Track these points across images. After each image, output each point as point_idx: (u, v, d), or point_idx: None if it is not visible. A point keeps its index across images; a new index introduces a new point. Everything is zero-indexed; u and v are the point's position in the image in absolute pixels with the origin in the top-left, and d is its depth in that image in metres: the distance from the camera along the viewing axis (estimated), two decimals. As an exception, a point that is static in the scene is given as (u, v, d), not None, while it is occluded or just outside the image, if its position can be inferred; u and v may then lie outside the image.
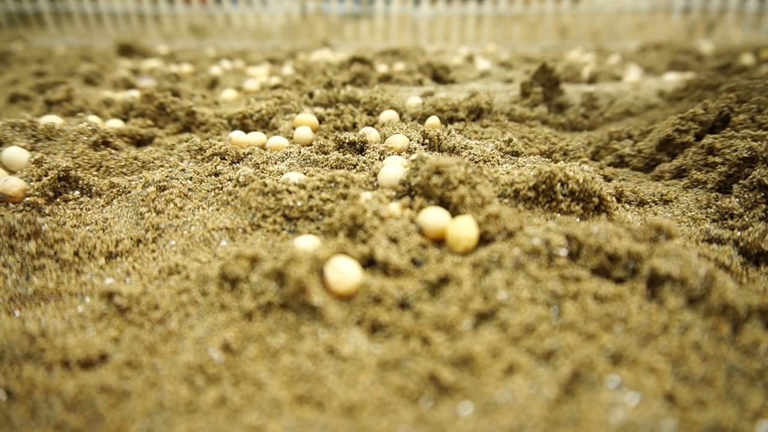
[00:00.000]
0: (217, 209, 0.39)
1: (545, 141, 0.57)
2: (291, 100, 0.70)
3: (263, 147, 0.55)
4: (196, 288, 0.30)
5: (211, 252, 0.35)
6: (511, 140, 0.52)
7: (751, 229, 0.34)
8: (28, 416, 0.22)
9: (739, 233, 0.35)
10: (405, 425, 0.21)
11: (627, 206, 0.42)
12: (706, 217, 0.40)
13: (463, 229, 0.30)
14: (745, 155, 0.44)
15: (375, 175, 0.39)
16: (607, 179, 0.48)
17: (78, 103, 0.72)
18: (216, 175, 0.44)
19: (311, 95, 0.75)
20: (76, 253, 0.33)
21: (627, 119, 0.73)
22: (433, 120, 0.60)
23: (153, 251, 0.36)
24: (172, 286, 0.31)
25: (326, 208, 0.36)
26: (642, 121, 0.69)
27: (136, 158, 0.49)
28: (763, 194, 0.38)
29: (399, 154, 0.48)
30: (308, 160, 0.49)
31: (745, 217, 0.38)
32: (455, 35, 1.98)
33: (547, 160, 0.51)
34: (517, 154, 0.51)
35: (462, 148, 0.50)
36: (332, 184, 0.37)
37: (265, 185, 0.37)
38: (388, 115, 0.61)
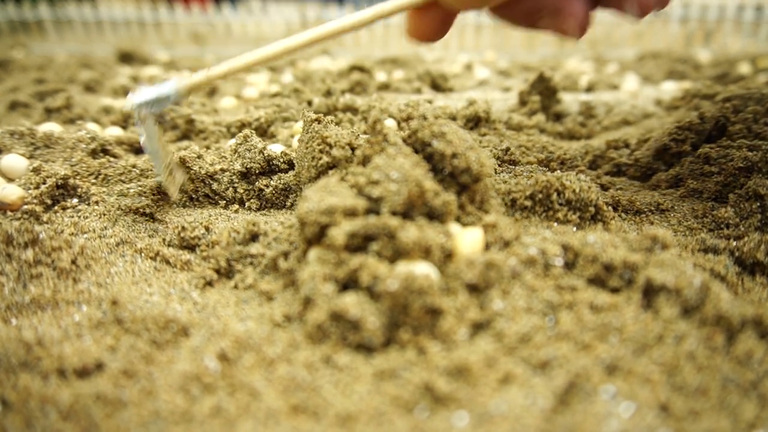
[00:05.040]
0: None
1: (543, 150, 0.57)
2: (290, 108, 0.70)
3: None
4: (193, 297, 0.30)
5: (208, 260, 0.35)
6: (508, 149, 0.52)
7: (746, 239, 0.34)
8: (23, 426, 0.22)
9: (734, 243, 0.35)
10: (400, 435, 0.21)
11: (623, 215, 0.42)
12: (702, 226, 0.40)
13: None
14: (741, 165, 0.44)
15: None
16: (604, 188, 0.48)
17: (78, 111, 0.72)
18: (214, 183, 0.44)
19: (310, 103, 0.75)
20: (73, 261, 0.33)
21: (624, 128, 0.73)
22: (431, 128, 0.60)
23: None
24: (169, 294, 0.31)
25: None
26: (639, 130, 0.69)
27: (134, 166, 0.49)
28: (758, 204, 0.39)
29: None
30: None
31: (741, 226, 0.38)
32: (454, 43, 1.99)
33: (545, 169, 0.51)
34: (514, 162, 0.52)
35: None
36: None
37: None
38: (386, 124, 0.61)
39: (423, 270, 0.26)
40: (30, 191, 0.41)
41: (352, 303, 0.25)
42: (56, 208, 0.41)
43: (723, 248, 0.35)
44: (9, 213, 0.39)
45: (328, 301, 0.26)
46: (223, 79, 0.36)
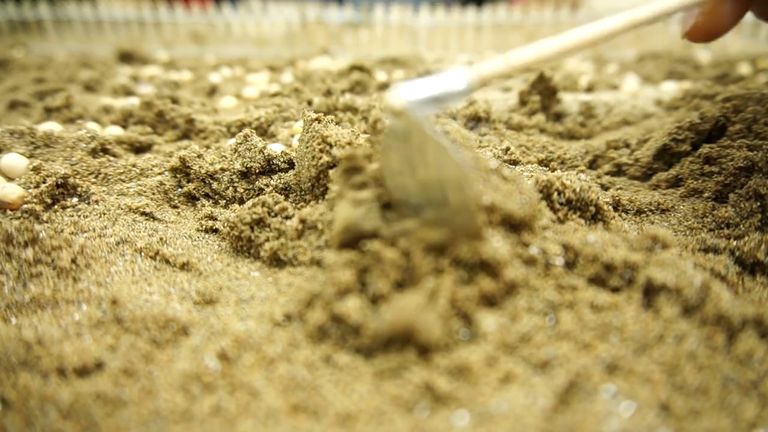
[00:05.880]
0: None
1: (543, 149, 0.57)
2: (290, 107, 0.70)
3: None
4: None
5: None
6: (508, 149, 0.52)
7: (747, 238, 0.34)
8: (23, 425, 0.22)
9: (735, 243, 0.35)
10: (400, 435, 0.21)
11: (624, 215, 0.42)
12: (703, 226, 0.40)
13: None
14: (742, 165, 0.44)
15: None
16: (605, 188, 0.48)
17: (77, 110, 0.72)
18: (214, 182, 0.44)
19: (310, 103, 0.75)
20: (73, 261, 0.33)
21: (624, 128, 0.73)
22: (432, 128, 0.60)
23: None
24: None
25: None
26: (639, 130, 0.69)
27: (134, 165, 0.49)
28: (759, 204, 0.39)
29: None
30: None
31: (741, 226, 0.38)
32: (454, 43, 1.99)
33: (545, 168, 0.51)
34: (515, 162, 0.52)
35: (460, 156, 0.50)
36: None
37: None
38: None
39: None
40: (30, 190, 0.41)
41: (354, 308, 0.25)
42: (56, 207, 0.41)
43: (723, 248, 0.35)
44: (9, 212, 0.39)
45: (330, 305, 0.26)
46: (526, 70, 0.27)
